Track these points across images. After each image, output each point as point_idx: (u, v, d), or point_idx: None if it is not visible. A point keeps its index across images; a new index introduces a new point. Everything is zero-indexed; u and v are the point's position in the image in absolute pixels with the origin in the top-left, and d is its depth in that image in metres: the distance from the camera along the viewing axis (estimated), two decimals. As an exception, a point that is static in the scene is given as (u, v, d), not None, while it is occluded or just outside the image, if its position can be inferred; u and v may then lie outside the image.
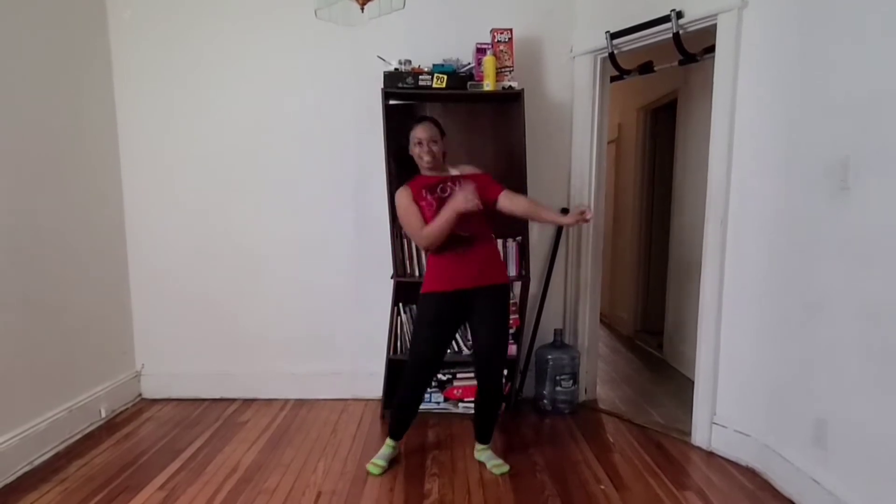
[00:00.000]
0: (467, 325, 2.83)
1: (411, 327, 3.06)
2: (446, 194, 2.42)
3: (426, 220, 2.39)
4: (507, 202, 2.44)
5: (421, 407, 3.12)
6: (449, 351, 3.10)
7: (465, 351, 3.11)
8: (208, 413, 3.24)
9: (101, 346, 3.17)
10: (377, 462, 2.56)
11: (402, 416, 2.60)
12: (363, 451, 2.75)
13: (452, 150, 2.60)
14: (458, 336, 3.13)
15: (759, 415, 2.53)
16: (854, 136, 1.99)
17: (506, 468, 2.53)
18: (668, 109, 4.33)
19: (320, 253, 3.38)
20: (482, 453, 2.62)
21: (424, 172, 2.51)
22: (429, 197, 2.43)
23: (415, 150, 2.47)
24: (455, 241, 2.39)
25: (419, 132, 2.45)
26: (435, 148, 2.44)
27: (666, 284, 4.30)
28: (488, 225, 2.52)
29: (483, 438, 2.63)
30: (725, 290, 2.66)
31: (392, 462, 2.61)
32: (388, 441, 2.63)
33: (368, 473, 2.53)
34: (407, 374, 2.53)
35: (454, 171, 2.53)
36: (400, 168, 2.63)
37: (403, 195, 2.45)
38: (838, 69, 2.07)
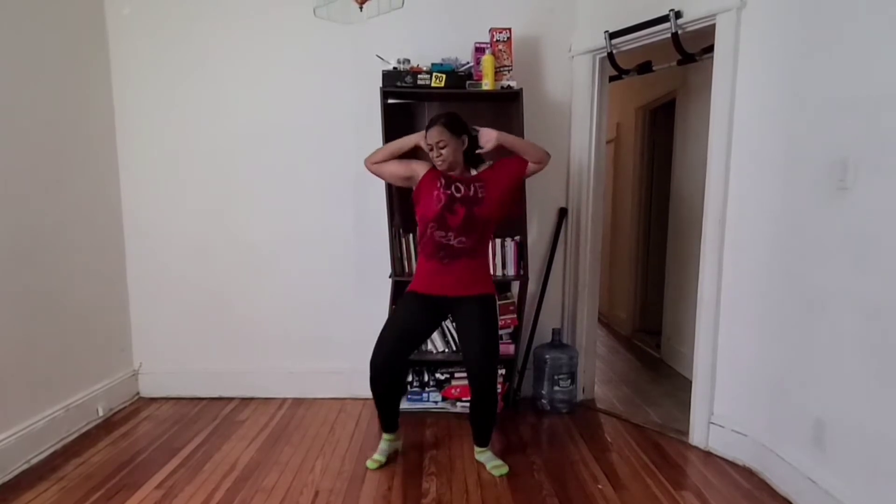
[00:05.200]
0: (455, 333, 2.97)
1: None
2: (460, 194, 2.40)
3: (427, 212, 2.40)
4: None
5: (419, 406, 3.16)
6: (445, 350, 3.13)
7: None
8: (206, 412, 3.24)
9: (99, 344, 3.17)
10: (375, 458, 2.59)
11: (381, 408, 2.60)
12: (361, 450, 2.75)
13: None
14: (452, 336, 3.13)
15: (756, 414, 2.54)
16: (853, 136, 1.99)
17: (505, 469, 2.53)
18: (667, 109, 4.34)
19: (319, 252, 3.37)
20: (481, 455, 2.62)
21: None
22: (441, 189, 2.40)
23: (430, 155, 2.44)
24: (444, 250, 2.41)
25: (429, 137, 2.41)
26: (445, 151, 2.37)
27: (664, 284, 4.30)
28: (487, 239, 2.52)
29: (481, 442, 2.63)
30: (724, 290, 2.67)
31: (393, 456, 2.66)
32: (384, 436, 2.66)
33: (366, 468, 2.56)
34: (373, 362, 2.46)
35: (474, 172, 2.50)
36: None
37: (422, 162, 2.48)
38: (837, 69, 2.08)
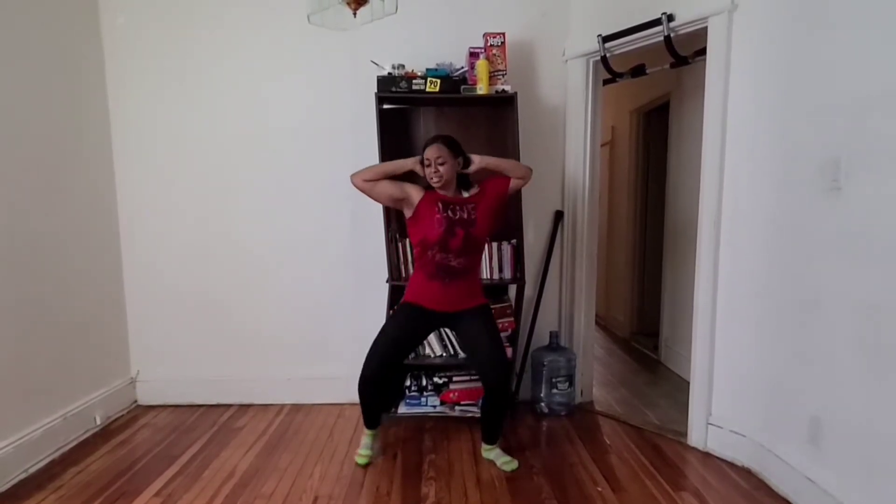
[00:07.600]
0: (456, 342, 3.07)
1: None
2: (457, 217, 2.48)
3: (429, 235, 2.47)
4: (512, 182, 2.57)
5: (417, 410, 3.16)
6: (443, 355, 3.13)
7: (461, 354, 3.10)
8: (204, 419, 3.23)
9: (96, 352, 3.16)
10: (361, 453, 2.67)
11: (366, 410, 2.68)
12: (360, 455, 2.75)
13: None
14: (453, 340, 3.13)
15: (754, 415, 2.55)
16: (845, 137, 2.01)
17: (515, 464, 2.58)
18: (661, 111, 4.36)
19: (316, 258, 3.38)
20: (489, 452, 2.67)
21: (438, 192, 2.55)
22: (440, 213, 2.47)
23: (426, 172, 2.50)
24: (444, 271, 2.49)
25: (427, 153, 2.47)
26: (442, 168, 2.44)
27: (661, 286, 4.31)
28: (480, 256, 2.64)
29: (490, 439, 2.67)
30: (720, 291, 2.68)
31: (378, 450, 2.75)
32: (366, 431, 2.72)
33: (356, 465, 2.64)
34: (365, 366, 2.55)
35: (465, 194, 2.57)
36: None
37: (415, 186, 2.54)
38: (828, 70, 2.09)
